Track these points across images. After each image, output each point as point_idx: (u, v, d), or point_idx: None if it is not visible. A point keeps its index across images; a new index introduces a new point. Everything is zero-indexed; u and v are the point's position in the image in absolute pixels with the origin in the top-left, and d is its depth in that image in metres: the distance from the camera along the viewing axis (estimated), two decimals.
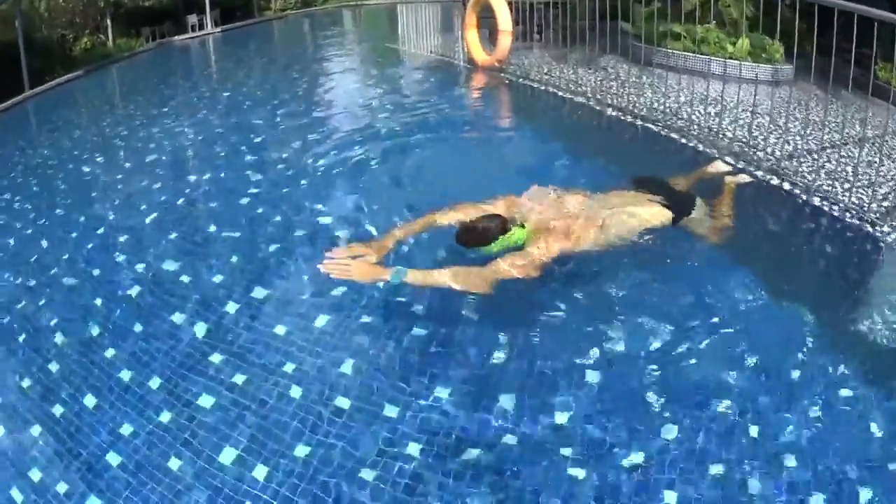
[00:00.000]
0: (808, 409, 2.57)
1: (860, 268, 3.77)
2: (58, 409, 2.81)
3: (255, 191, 4.73)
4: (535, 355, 2.86)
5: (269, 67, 10.76)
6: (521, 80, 7.79)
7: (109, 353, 3.11)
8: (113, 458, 2.52)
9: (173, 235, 4.18)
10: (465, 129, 6.10)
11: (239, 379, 2.82)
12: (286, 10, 17.93)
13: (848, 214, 4.03)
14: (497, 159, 5.23)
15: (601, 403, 2.61)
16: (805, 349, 2.89)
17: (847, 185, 4.38)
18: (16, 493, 2.47)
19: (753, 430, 2.48)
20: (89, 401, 2.82)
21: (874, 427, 2.49)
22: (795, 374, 2.76)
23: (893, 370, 2.82)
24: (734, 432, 2.47)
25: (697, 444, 2.42)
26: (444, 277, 2.87)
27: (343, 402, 2.66)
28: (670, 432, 2.45)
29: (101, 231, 4.44)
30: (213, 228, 4.26)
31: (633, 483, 2.28)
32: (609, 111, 6.34)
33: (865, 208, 4.09)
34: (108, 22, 14.15)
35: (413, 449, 2.44)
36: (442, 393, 2.68)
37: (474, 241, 3.14)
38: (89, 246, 4.23)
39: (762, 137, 5.32)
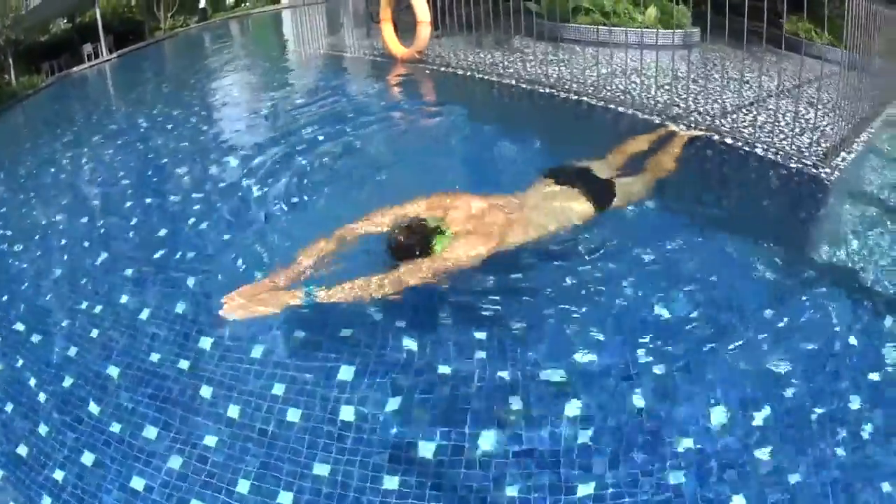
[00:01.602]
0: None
1: (810, 205, 3.99)
2: (58, 474, 2.65)
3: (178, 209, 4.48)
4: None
5: (176, 86, 10.34)
6: (443, 68, 7.74)
7: (94, 407, 2.92)
8: None
9: (129, 271, 3.87)
10: (395, 123, 5.93)
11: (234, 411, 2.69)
12: (175, 29, 17.44)
13: (791, 161, 4.22)
14: (436, 150, 5.05)
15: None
16: (762, 276, 3.10)
17: (783, 136, 4.58)
18: None
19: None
20: (87, 459, 2.68)
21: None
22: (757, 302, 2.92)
23: (841, 288, 3.03)
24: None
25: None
26: (356, 289, 2.78)
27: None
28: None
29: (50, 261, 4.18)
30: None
31: None
32: (539, 89, 6.41)
33: (806, 153, 4.28)
34: (10, 60, 13.49)
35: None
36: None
37: (406, 256, 2.97)
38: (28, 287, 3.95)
39: (692, 99, 5.49)
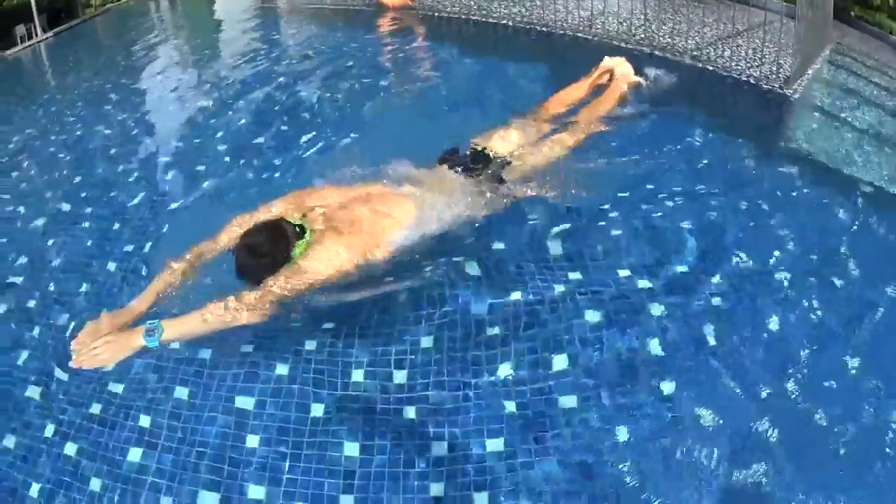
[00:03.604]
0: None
1: (778, 116, 4.98)
2: None
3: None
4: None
5: (133, 59, 9.84)
6: (436, 14, 7.88)
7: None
8: None
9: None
10: (397, 76, 6.16)
11: None
12: (107, 5, 17.18)
13: (762, 83, 5.33)
14: (449, 99, 5.29)
15: None
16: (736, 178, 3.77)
17: (749, 65, 5.68)
18: None
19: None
20: None
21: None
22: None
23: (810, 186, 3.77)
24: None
25: None
26: (210, 317, 2.46)
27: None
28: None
29: None
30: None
31: None
32: (537, 28, 6.97)
33: (773, 77, 5.40)
34: None
35: None
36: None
37: (257, 276, 2.60)
38: None
39: (667, 36, 6.40)
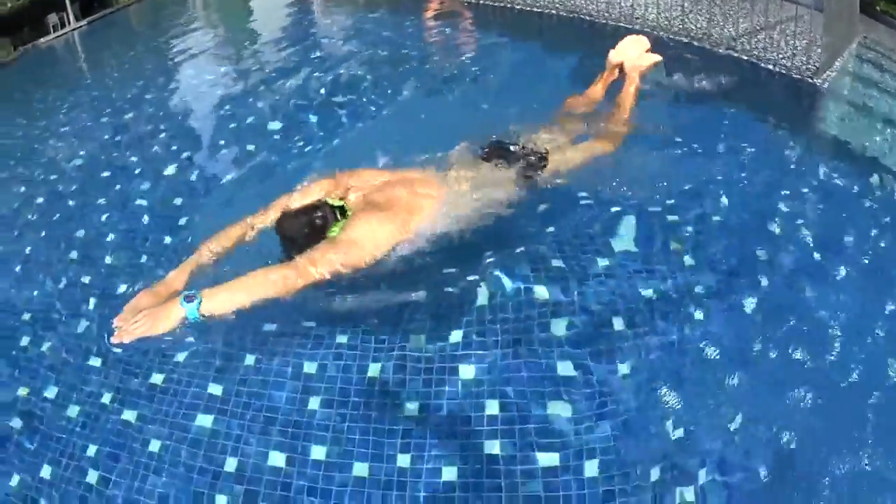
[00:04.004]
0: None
1: (807, 105, 5.11)
2: None
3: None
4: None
5: (169, 47, 9.75)
6: (480, 1, 7.86)
7: None
8: None
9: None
10: (437, 63, 6.21)
11: None
12: None
13: (794, 73, 5.42)
14: (489, 88, 5.39)
15: None
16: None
17: (784, 55, 5.76)
18: None
19: None
20: None
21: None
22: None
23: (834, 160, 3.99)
24: None
25: None
26: (250, 288, 2.52)
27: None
28: None
29: None
30: None
31: None
32: (580, 17, 7.07)
33: (803, 68, 5.48)
34: None
35: None
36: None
37: (296, 245, 2.72)
38: None
39: (704, 24, 6.50)
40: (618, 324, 2.69)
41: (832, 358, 2.64)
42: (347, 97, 5.67)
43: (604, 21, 6.96)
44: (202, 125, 5.84)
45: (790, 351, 2.66)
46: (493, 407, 2.48)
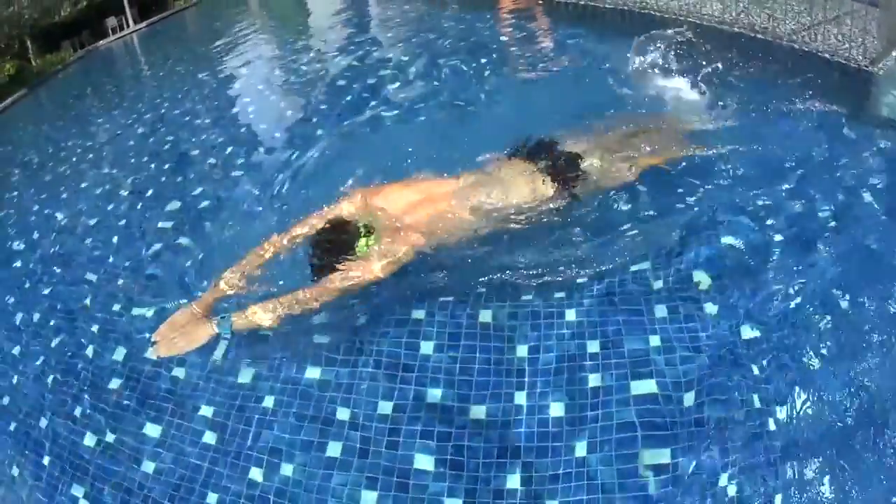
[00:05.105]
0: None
1: (862, 88, 5.26)
2: None
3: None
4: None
5: (226, 48, 10.06)
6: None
7: None
8: None
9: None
10: (515, 64, 6.18)
11: None
12: None
13: (852, 63, 5.61)
14: (547, 88, 5.43)
15: None
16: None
17: (841, 47, 5.95)
18: None
19: None
20: None
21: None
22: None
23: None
24: None
25: None
26: (273, 310, 2.71)
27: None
28: None
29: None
30: None
31: None
32: (650, 13, 7.21)
33: (860, 58, 5.67)
34: (29, 42, 13.93)
35: None
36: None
37: (325, 263, 2.87)
38: None
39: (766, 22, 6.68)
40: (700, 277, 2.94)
41: None
42: (400, 97, 5.79)
43: (674, 16, 7.13)
44: (251, 129, 6.06)
45: None
46: (593, 346, 2.75)
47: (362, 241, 2.85)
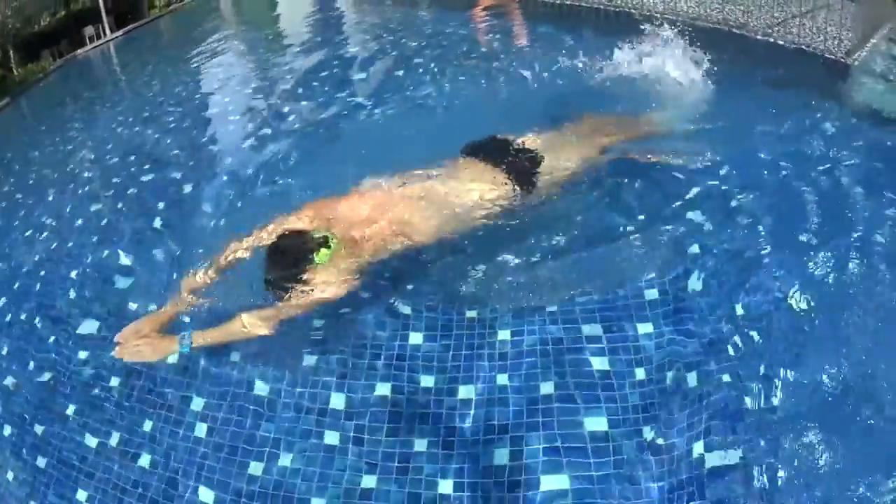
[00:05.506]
0: None
1: (839, 78, 5.35)
2: None
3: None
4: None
5: (201, 56, 9.83)
6: None
7: None
8: None
9: None
10: (494, 64, 6.09)
11: None
12: (171, 6, 17.84)
13: (828, 53, 5.72)
14: (519, 86, 5.40)
15: None
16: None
17: (816, 39, 6.06)
18: None
19: None
20: None
21: None
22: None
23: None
24: None
25: None
26: (231, 330, 2.71)
27: None
28: None
29: None
30: None
31: None
32: (626, 11, 7.32)
33: (836, 49, 5.78)
34: (11, 52, 13.81)
35: None
36: None
37: (278, 286, 2.81)
38: None
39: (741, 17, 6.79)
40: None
41: None
42: (366, 99, 5.81)
43: (648, 13, 7.16)
44: (225, 132, 6.08)
45: None
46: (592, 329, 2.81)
47: (323, 251, 2.78)
